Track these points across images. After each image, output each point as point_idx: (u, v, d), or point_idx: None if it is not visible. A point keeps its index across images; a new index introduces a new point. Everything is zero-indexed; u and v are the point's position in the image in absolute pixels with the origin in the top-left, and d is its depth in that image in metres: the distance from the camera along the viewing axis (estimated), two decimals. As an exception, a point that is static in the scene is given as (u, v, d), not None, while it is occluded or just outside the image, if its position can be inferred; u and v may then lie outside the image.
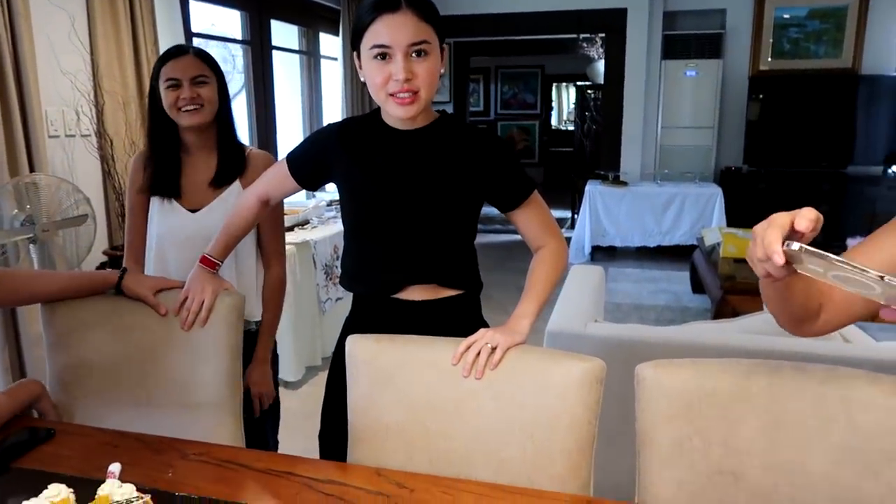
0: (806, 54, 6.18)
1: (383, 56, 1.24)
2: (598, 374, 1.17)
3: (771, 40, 6.22)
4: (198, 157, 1.75)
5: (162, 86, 1.66)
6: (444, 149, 1.36)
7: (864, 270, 0.70)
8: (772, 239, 0.78)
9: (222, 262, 1.54)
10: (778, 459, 1.07)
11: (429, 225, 1.36)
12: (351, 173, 1.39)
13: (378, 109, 1.39)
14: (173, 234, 1.74)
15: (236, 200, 1.61)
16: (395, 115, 1.30)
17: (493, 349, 1.23)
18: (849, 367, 1.10)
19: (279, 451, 1.92)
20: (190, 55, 1.68)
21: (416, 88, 1.25)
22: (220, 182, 1.74)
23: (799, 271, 0.81)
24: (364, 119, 1.42)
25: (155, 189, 1.74)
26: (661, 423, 1.12)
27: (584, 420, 1.17)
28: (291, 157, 1.47)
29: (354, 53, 1.32)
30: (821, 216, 0.78)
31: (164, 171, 1.72)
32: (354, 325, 1.45)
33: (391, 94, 1.26)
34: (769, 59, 6.25)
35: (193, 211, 1.73)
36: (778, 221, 0.79)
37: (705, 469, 1.10)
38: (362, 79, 1.32)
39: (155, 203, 1.76)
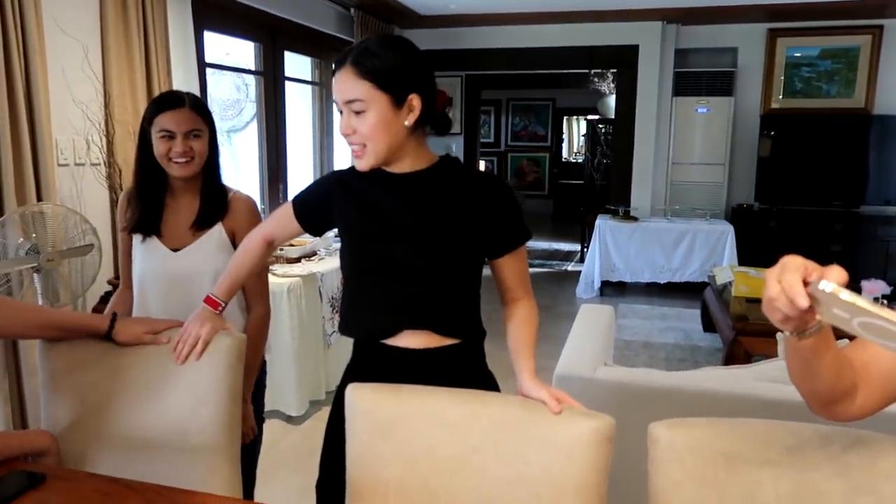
0: (818, 93, 6.17)
1: (341, 112, 1.30)
2: (608, 432, 1.12)
3: (783, 79, 6.22)
4: (182, 200, 1.78)
5: (155, 135, 1.68)
6: (443, 193, 1.34)
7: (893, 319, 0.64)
8: (792, 281, 0.73)
9: (226, 304, 1.52)
10: (799, 531, 1.01)
11: (422, 270, 1.33)
12: (349, 216, 1.40)
13: None
14: (154, 272, 1.77)
15: (242, 242, 1.59)
16: (356, 167, 1.34)
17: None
18: (874, 433, 1.04)
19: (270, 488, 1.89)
20: (186, 108, 1.69)
21: (361, 142, 1.28)
22: (201, 224, 1.76)
23: (820, 318, 0.77)
24: None
25: (136, 227, 1.76)
26: (674, 486, 1.07)
27: (592, 481, 1.12)
28: (297, 200, 1.48)
29: None
30: (847, 278, 0.73)
31: (146, 212, 1.75)
32: (354, 371, 1.42)
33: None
34: (780, 98, 6.25)
35: (175, 251, 1.76)
36: (794, 264, 0.75)
37: (722, 538, 1.04)
38: None
39: (136, 241, 1.79)
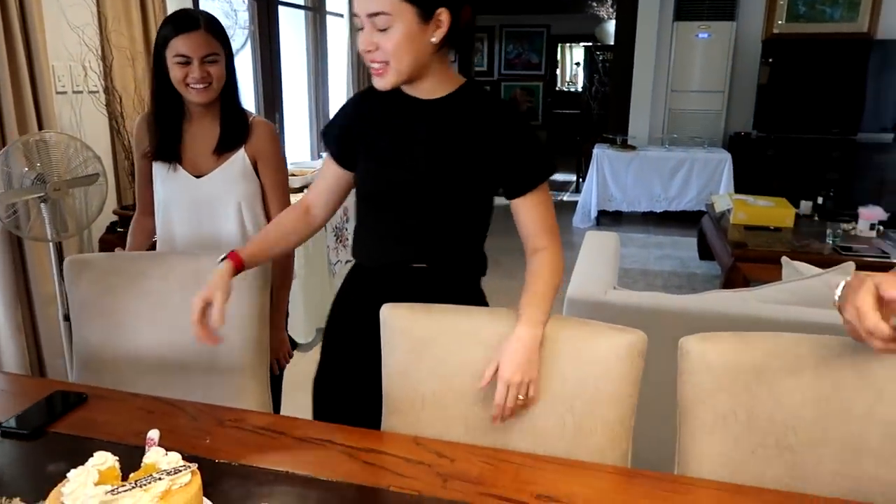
0: (822, 17, 6.07)
1: (360, 28, 1.22)
2: (641, 346, 1.16)
3: (785, 2, 6.09)
4: (201, 124, 1.73)
5: (170, 59, 1.61)
6: (459, 126, 1.29)
7: None
8: (873, 322, 0.77)
9: (245, 265, 1.33)
10: (825, 435, 1.07)
11: (424, 204, 1.30)
12: (366, 138, 1.35)
13: None
14: (177, 199, 1.76)
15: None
16: (375, 86, 1.26)
17: (526, 397, 1.18)
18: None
19: (283, 412, 1.94)
20: (202, 31, 1.60)
21: (384, 60, 1.20)
22: (223, 149, 1.72)
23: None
24: None
25: (158, 155, 1.73)
26: (704, 396, 1.12)
27: (625, 393, 1.16)
28: (324, 131, 1.43)
29: None
30: None
31: (166, 139, 1.71)
32: (345, 291, 1.47)
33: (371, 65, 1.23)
34: (782, 22, 6.13)
35: (198, 177, 1.73)
36: (866, 300, 0.79)
37: (749, 444, 1.10)
38: None
39: (158, 168, 1.76)
